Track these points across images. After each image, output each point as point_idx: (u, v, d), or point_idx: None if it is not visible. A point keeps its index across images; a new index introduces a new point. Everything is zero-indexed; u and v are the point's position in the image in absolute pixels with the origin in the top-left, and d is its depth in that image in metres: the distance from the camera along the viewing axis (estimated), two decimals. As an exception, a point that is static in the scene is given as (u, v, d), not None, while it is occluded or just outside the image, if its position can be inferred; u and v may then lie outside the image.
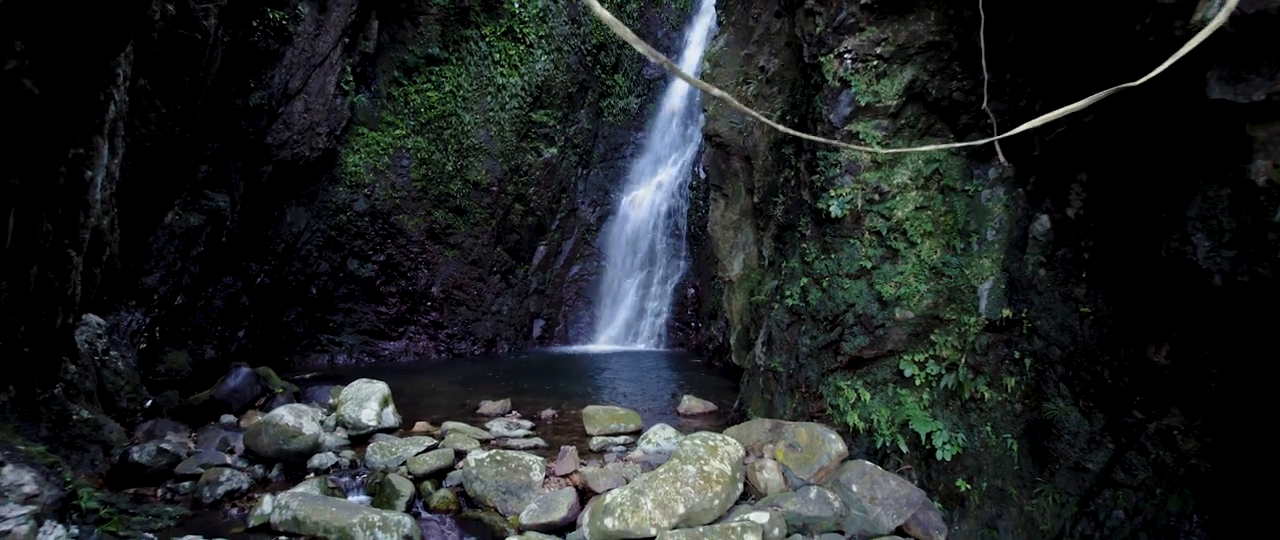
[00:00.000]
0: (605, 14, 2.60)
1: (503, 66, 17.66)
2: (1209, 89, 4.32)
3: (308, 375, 13.60)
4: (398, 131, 16.20)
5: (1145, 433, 5.58)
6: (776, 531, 5.77)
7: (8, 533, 4.20)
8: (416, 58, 16.60)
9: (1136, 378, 5.64)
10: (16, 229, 5.30)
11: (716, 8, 11.93)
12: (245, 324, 14.10)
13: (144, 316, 11.53)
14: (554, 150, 18.44)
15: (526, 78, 17.82)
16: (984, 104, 5.46)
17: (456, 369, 14.73)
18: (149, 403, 9.98)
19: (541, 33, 17.92)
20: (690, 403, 9.92)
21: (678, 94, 19.47)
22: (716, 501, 5.82)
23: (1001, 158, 4.93)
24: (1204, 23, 4.21)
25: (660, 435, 7.71)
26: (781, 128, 2.97)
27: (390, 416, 8.76)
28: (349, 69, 14.92)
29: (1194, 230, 4.64)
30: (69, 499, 4.99)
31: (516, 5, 17.79)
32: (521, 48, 17.81)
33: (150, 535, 5.83)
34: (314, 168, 14.55)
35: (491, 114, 17.35)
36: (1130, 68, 5.06)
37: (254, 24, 12.41)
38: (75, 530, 4.87)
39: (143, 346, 11.55)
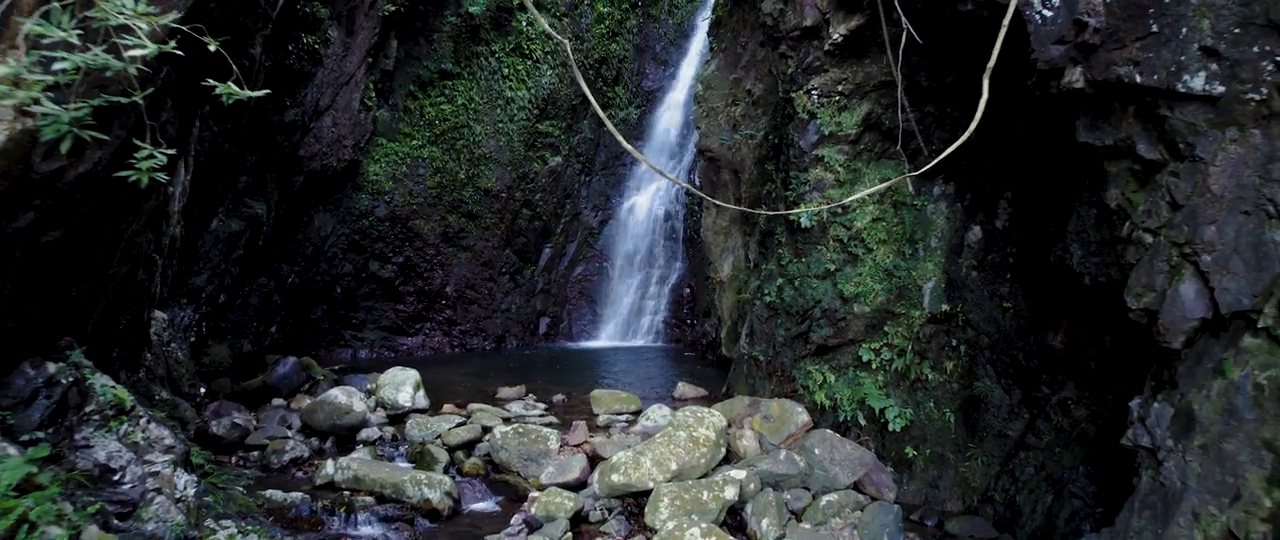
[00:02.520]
0: (593, 100, 3.87)
1: (511, 81, 18.94)
2: (1078, 134, 5.62)
3: (335, 367, 14.86)
4: (414, 142, 17.49)
5: (1049, 404, 6.91)
6: (752, 486, 7.07)
7: (158, 472, 5.48)
8: (431, 73, 17.89)
9: (1042, 359, 6.97)
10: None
11: (708, 35, 13.23)
12: (277, 320, 15.40)
13: (193, 313, 12.82)
14: (559, 159, 19.72)
15: (533, 91, 19.10)
16: (898, 145, 6.76)
17: (470, 362, 16.01)
18: (202, 390, 11.27)
19: (547, 49, 19.19)
20: (684, 388, 11.21)
21: (675, 106, 20.75)
22: (703, 460, 7.13)
23: (909, 187, 6.23)
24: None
25: (657, 413, 9.01)
26: (730, 206, 4.24)
27: (422, 399, 10.05)
28: (371, 85, 16.21)
29: (1072, 241, 5.95)
30: (186, 454, 6.28)
31: (524, 23, 19.07)
32: (528, 63, 19.09)
33: (240, 488, 7.13)
34: (340, 177, 15.85)
35: (501, 125, 18.64)
36: (1028, 110, 6.42)
37: (290, 48, 13.70)
38: (194, 477, 6.15)
39: (192, 340, 12.83)
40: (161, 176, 3.42)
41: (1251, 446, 4.39)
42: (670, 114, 21.01)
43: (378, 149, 16.96)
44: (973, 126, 4.80)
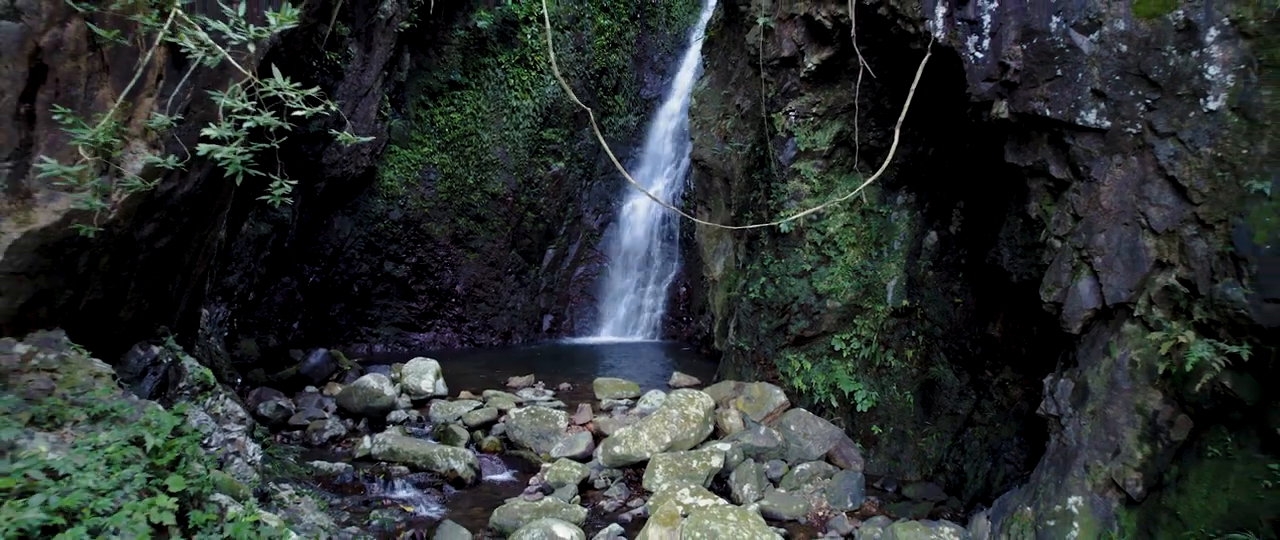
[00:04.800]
0: (607, 149, 4.93)
1: (516, 90, 20.02)
2: (1006, 156, 6.71)
3: (355, 360, 15.93)
4: (426, 149, 18.57)
5: (992, 385, 7.99)
6: (736, 456, 8.15)
7: (234, 439, 6.56)
8: (440, 83, 18.97)
9: (985, 347, 8.05)
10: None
11: (701, 53, 14.30)
12: (299, 316, 16.48)
13: (227, 310, 13.90)
14: (562, 164, 20.81)
15: (537, 100, 20.19)
16: (855, 166, 7.84)
17: (479, 356, 17.09)
18: (239, 380, 12.34)
19: (551, 59, 20.25)
20: (679, 377, 12.30)
21: (672, 114, 21.84)
22: (693, 434, 8.21)
23: (865, 199, 7.30)
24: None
25: (654, 397, 10.09)
26: (714, 225, 5.31)
27: (442, 386, 11.13)
28: (386, 96, 17.29)
29: (1003, 245, 7.04)
30: (252, 427, 7.36)
31: (529, 36, 20.15)
32: (533, 73, 20.18)
33: (291, 457, 8.21)
34: (357, 183, 16.93)
35: (507, 133, 19.73)
36: (970, 133, 7.52)
37: (314, 64, 14.76)
38: (258, 446, 7.23)
39: (225, 334, 13.91)
40: (290, 201, 4.49)
41: (1128, 411, 5.48)
42: (667, 121, 22.11)
43: (392, 156, 18.04)
44: (887, 162, 5.93)
